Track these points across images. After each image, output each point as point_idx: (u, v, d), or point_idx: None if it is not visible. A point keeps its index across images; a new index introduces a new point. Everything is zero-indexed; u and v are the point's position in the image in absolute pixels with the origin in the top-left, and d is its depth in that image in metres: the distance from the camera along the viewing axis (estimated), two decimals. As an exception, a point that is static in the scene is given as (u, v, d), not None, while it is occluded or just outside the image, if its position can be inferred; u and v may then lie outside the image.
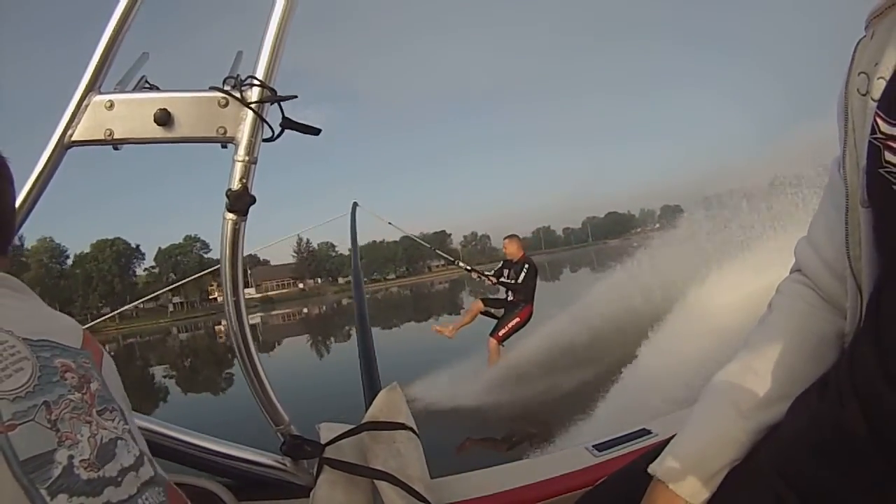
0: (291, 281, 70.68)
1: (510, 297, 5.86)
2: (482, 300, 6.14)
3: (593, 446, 1.16)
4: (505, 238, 6.23)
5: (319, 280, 71.58)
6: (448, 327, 6.22)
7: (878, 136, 0.48)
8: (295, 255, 72.57)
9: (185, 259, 61.77)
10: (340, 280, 67.90)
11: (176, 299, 61.74)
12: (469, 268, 6.55)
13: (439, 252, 7.99)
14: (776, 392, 0.59)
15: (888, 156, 0.47)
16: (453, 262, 6.89)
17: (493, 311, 5.94)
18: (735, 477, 0.58)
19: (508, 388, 5.15)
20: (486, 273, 6.20)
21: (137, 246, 62.39)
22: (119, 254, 60.18)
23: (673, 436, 0.64)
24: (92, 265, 59.10)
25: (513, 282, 5.80)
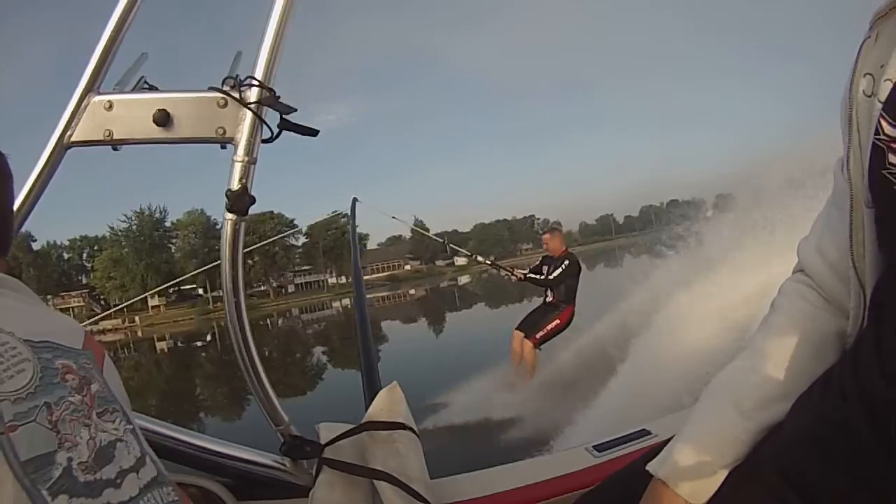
0: (397, 263, 69.17)
1: (549, 298, 5.36)
2: (525, 336, 5.29)
3: (593, 447, 1.16)
4: (545, 232, 5.80)
5: (422, 262, 69.69)
6: (523, 377, 5.27)
7: (883, 137, 0.48)
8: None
9: (333, 233, 58.80)
10: (438, 262, 67.26)
11: (298, 280, 60.42)
12: (490, 262, 6.03)
13: (453, 246, 7.38)
14: (777, 392, 0.59)
15: (893, 158, 0.47)
16: (471, 256, 6.43)
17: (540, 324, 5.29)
18: (736, 477, 0.58)
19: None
20: (510, 268, 5.73)
21: (293, 220, 59.02)
22: (280, 226, 55.68)
23: (673, 436, 0.64)
24: (252, 238, 56.35)
25: (540, 277, 5.33)
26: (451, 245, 7.19)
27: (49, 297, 46.83)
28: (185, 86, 0.81)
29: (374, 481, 0.96)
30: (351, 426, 1.02)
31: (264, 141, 0.80)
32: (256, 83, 0.78)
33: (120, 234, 54.04)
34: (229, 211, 0.80)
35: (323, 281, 59.96)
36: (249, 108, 0.77)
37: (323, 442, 1.00)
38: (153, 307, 51.54)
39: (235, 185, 0.79)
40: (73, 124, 0.79)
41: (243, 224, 0.82)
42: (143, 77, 0.82)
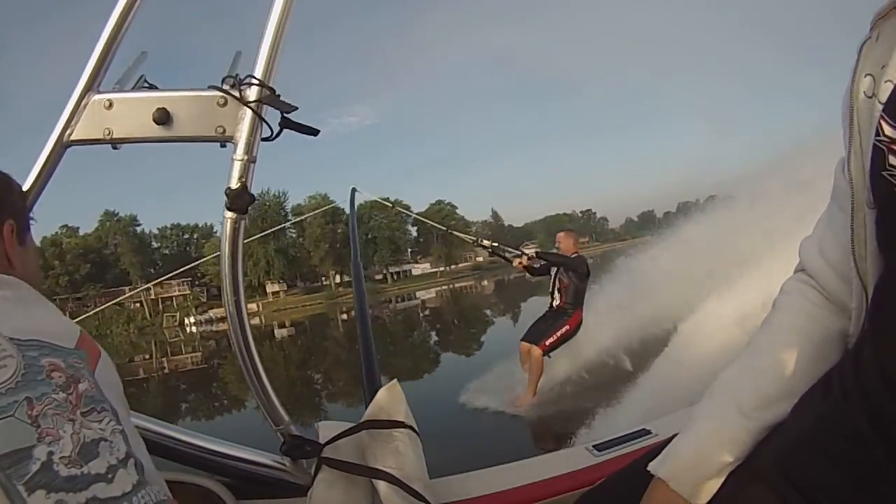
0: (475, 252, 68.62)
1: (557, 302, 5.20)
2: (533, 344, 5.03)
3: (593, 446, 1.16)
4: (560, 232, 5.58)
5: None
6: (526, 396, 4.96)
7: (883, 139, 0.48)
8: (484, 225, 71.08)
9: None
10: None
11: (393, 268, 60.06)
12: (492, 247, 5.74)
13: (456, 232, 7.67)
14: (779, 391, 0.59)
15: (893, 159, 0.47)
16: (475, 241, 6.21)
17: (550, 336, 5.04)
18: (737, 477, 0.58)
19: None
20: (509, 251, 5.58)
21: (408, 206, 60.16)
22: (400, 212, 57.12)
23: (673, 436, 0.64)
24: (378, 221, 57.13)
25: (537, 266, 5.25)
26: (452, 231, 7.22)
27: (150, 285, 46.57)
28: (185, 85, 0.81)
29: (374, 480, 0.96)
30: (350, 425, 1.02)
31: (264, 139, 0.80)
32: (256, 82, 0.77)
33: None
34: (229, 209, 0.80)
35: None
36: (249, 107, 0.77)
37: (322, 441, 1.00)
38: (273, 293, 52.39)
39: (235, 184, 0.78)
40: (72, 123, 0.79)
41: (243, 222, 0.81)
42: (142, 76, 0.82)
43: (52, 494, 0.42)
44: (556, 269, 5.24)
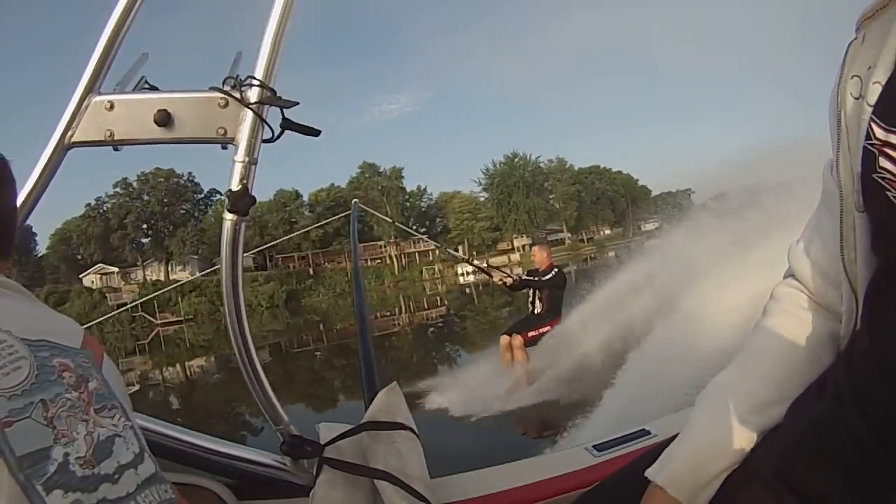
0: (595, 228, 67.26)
1: (537, 309, 5.47)
2: (516, 333, 5.37)
3: (593, 446, 1.16)
4: (534, 245, 5.95)
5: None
6: (519, 384, 5.11)
7: (874, 141, 0.47)
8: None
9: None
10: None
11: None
12: (479, 266, 6.00)
13: (450, 251, 7.44)
14: (773, 395, 0.60)
15: (883, 162, 0.46)
16: (468, 260, 6.45)
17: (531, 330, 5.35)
18: (734, 481, 0.58)
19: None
20: (496, 271, 5.72)
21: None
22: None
23: (672, 437, 0.64)
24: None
25: (535, 279, 5.40)
26: (447, 249, 7.27)
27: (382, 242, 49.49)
28: (186, 86, 0.81)
29: (375, 481, 0.96)
30: (351, 426, 1.02)
31: (265, 141, 0.80)
32: (257, 83, 0.78)
33: (487, 178, 57.21)
34: (230, 211, 0.80)
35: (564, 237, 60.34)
36: (250, 108, 0.77)
37: (323, 442, 1.00)
38: (520, 247, 53.70)
39: (236, 186, 0.79)
40: (73, 125, 0.79)
41: (243, 224, 0.82)
42: (143, 77, 0.82)
43: (69, 494, 0.43)
44: (534, 279, 5.48)
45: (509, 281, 5.63)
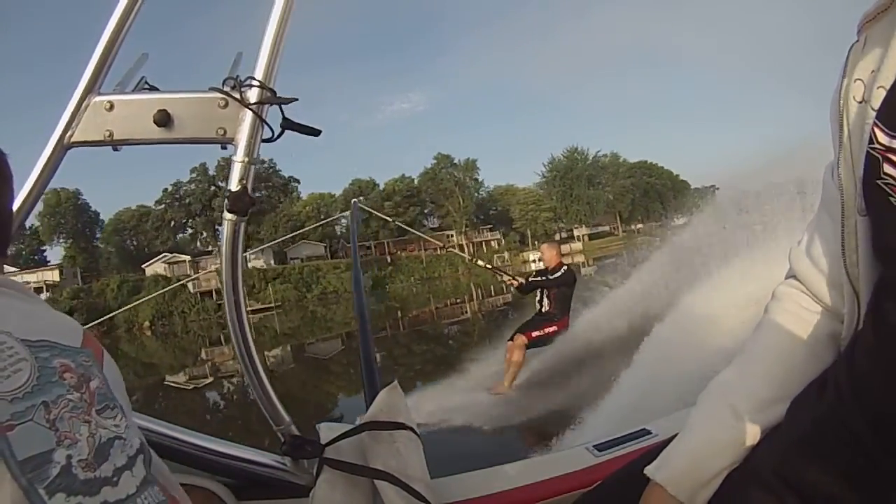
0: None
1: (545, 308, 5.32)
2: (519, 333, 5.18)
3: (594, 446, 1.16)
4: (543, 244, 5.76)
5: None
6: (502, 384, 5.05)
7: (877, 147, 0.47)
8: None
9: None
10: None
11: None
12: (485, 265, 5.84)
13: (452, 250, 7.32)
14: (773, 394, 0.60)
15: (887, 168, 0.46)
16: (472, 259, 6.27)
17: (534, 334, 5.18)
18: (734, 480, 0.58)
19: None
20: (502, 272, 5.61)
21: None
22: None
23: (673, 436, 0.64)
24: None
25: (542, 279, 5.27)
26: (448, 248, 7.14)
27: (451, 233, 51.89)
28: (186, 86, 0.81)
29: (375, 481, 0.96)
30: (351, 426, 1.02)
31: (265, 140, 0.80)
32: (257, 83, 0.78)
33: (550, 170, 59.99)
34: (229, 211, 0.80)
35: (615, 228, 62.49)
36: (250, 109, 0.77)
37: (323, 442, 1.00)
38: (578, 237, 56.79)
39: (235, 186, 0.79)
40: (73, 125, 0.79)
41: (243, 224, 0.82)
42: (143, 77, 0.82)
43: (71, 498, 0.43)
44: (541, 279, 5.35)
45: (516, 283, 5.51)
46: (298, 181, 51.99)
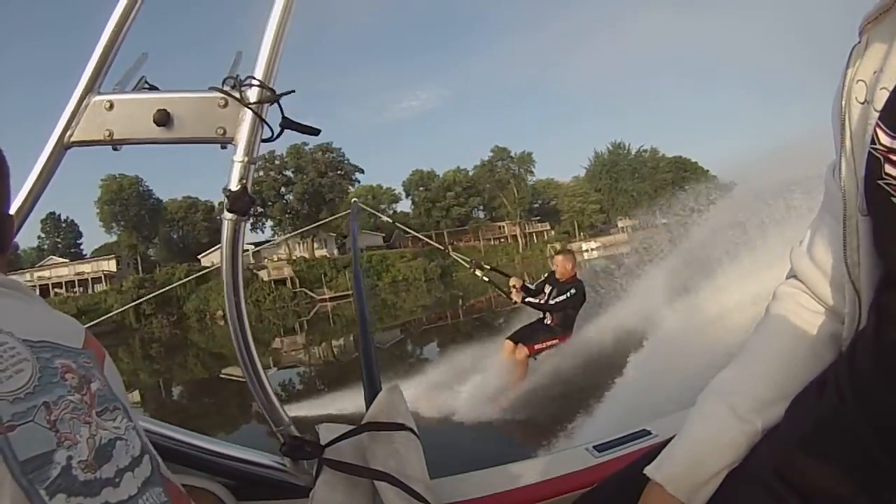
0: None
1: (547, 321, 5.05)
2: (522, 343, 4.95)
3: (593, 447, 1.16)
4: (558, 253, 5.38)
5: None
6: (505, 398, 4.82)
7: (879, 147, 0.47)
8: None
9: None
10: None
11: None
12: (486, 275, 5.31)
13: (455, 254, 6.53)
14: (773, 394, 0.60)
15: (889, 168, 0.46)
16: (471, 266, 5.62)
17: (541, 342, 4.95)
18: (734, 479, 0.58)
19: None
20: (509, 285, 5.14)
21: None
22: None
23: (673, 437, 0.64)
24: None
25: (538, 302, 4.96)
26: (454, 254, 6.90)
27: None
28: (185, 86, 0.81)
29: (375, 482, 0.96)
30: (351, 427, 1.02)
31: (265, 140, 0.80)
32: (257, 83, 0.78)
33: (595, 164, 61.33)
34: (229, 211, 0.80)
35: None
36: (250, 108, 0.77)
37: (323, 442, 1.00)
38: (623, 228, 57.16)
39: (235, 186, 0.78)
40: (73, 124, 0.79)
41: (243, 224, 0.81)
42: (143, 77, 0.82)
43: (71, 499, 0.43)
44: (550, 290, 5.04)
45: (515, 295, 5.08)
46: (363, 171, 52.28)
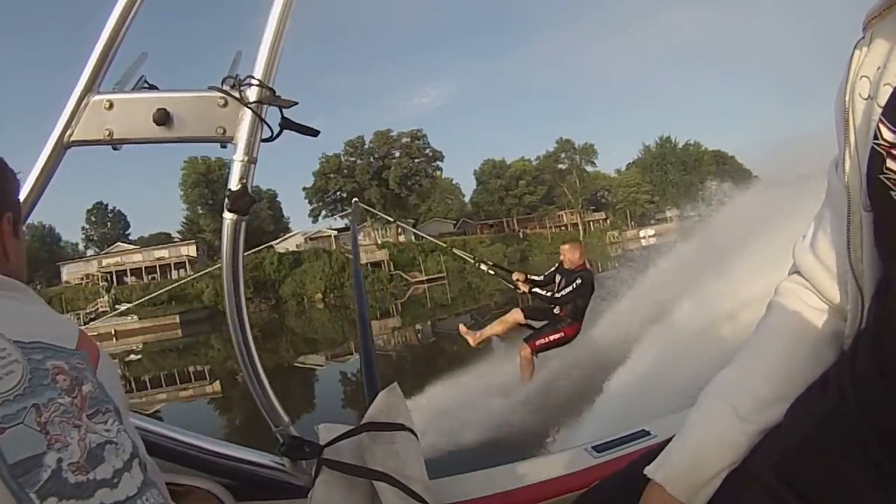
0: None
1: (556, 310, 5.00)
2: (523, 310, 5.15)
3: (592, 447, 1.16)
4: (564, 243, 5.37)
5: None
6: (475, 333, 5.12)
7: (882, 143, 0.47)
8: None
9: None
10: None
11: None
12: (492, 269, 5.44)
13: (456, 251, 6.98)
14: (774, 394, 0.59)
15: (891, 163, 0.47)
16: (475, 263, 5.77)
17: (533, 323, 5.06)
18: (734, 480, 0.58)
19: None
20: (517, 279, 5.19)
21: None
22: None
23: (672, 437, 0.64)
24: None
25: (548, 294, 4.92)
26: (455, 250, 6.96)
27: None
28: (185, 85, 0.81)
29: (374, 482, 0.96)
30: (350, 427, 1.02)
31: (265, 140, 0.80)
32: (256, 82, 0.77)
33: (645, 156, 63.92)
34: (229, 210, 0.79)
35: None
36: (250, 108, 0.77)
37: (322, 443, 1.00)
38: (670, 218, 58.89)
39: (235, 185, 0.78)
40: (73, 124, 0.79)
41: (243, 224, 0.81)
42: (142, 76, 0.82)
43: (63, 502, 0.42)
44: (559, 280, 5.03)
45: (524, 288, 5.13)
46: (443, 156, 53.70)
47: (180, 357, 18.88)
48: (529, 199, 55.74)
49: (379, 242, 44.18)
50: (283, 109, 0.80)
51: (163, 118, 0.77)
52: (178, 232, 50.20)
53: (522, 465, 1.17)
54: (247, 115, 0.78)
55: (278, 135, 0.80)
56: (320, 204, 50.88)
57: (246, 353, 0.87)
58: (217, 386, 10.92)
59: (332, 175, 50.00)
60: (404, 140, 50.65)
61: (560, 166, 59.11)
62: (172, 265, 42.33)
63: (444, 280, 36.33)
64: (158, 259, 43.08)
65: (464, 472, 1.15)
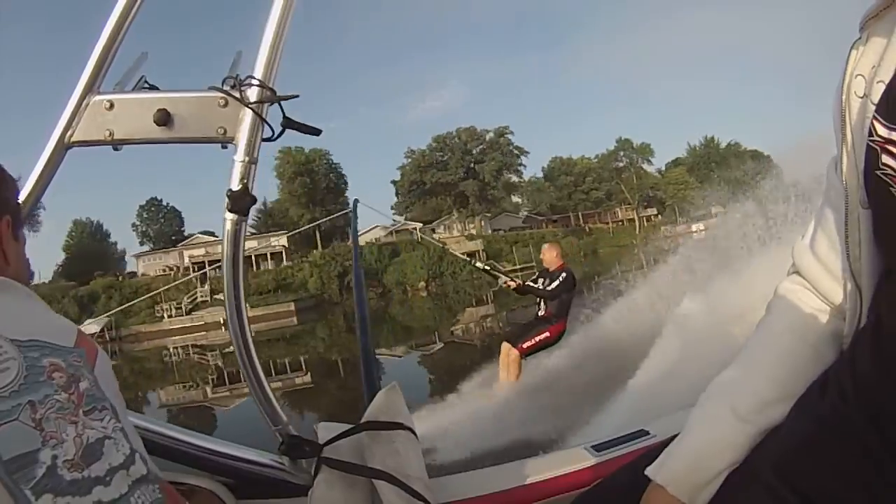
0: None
1: (541, 312, 5.20)
2: (507, 340, 5.15)
3: (592, 447, 1.16)
4: (543, 244, 5.65)
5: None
6: (498, 389, 5.03)
7: (876, 139, 0.48)
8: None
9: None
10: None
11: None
12: (484, 267, 5.85)
13: (452, 251, 7.38)
14: (774, 394, 0.59)
15: (886, 159, 0.47)
16: (470, 262, 6.14)
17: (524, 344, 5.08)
18: (734, 479, 0.58)
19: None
20: (505, 274, 5.47)
21: None
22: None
23: (671, 437, 0.64)
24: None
25: (538, 287, 5.16)
26: (451, 251, 7.18)
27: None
28: (185, 86, 0.81)
29: (374, 480, 0.96)
30: (350, 426, 1.02)
31: (266, 140, 0.80)
32: (257, 82, 0.78)
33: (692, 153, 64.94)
34: (230, 211, 0.79)
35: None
36: (250, 108, 0.77)
37: (322, 441, 1.00)
38: (714, 214, 60.31)
39: (236, 185, 0.78)
40: (73, 124, 0.79)
41: (244, 224, 0.81)
42: (143, 77, 0.82)
43: (58, 499, 0.42)
44: (543, 281, 5.24)
45: (513, 284, 5.43)
46: (527, 153, 54.13)
47: (288, 345, 18.31)
48: (596, 195, 57.14)
49: (465, 234, 45.73)
50: (284, 110, 0.80)
51: (163, 118, 0.77)
52: (252, 225, 49.15)
53: (522, 463, 1.18)
54: (247, 116, 0.78)
55: (280, 134, 0.81)
56: (409, 196, 51.75)
57: (245, 353, 0.87)
58: (307, 377, 10.65)
59: (426, 168, 50.58)
60: (489, 137, 51.36)
61: (618, 164, 60.07)
62: (268, 256, 41.73)
63: (533, 270, 36.74)
64: (251, 249, 41.93)
65: (464, 471, 1.15)
